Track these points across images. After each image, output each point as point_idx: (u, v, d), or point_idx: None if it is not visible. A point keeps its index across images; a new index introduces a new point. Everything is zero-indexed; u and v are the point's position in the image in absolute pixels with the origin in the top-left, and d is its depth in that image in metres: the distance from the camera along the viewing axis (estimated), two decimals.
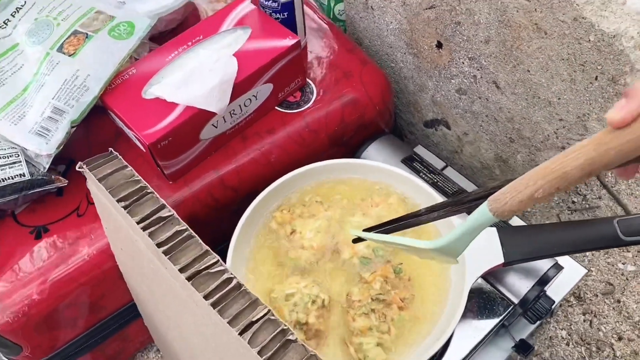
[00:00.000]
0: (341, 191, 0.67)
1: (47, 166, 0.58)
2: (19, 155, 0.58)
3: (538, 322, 0.68)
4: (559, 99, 0.61)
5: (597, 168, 0.30)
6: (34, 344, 0.63)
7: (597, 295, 0.81)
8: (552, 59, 0.58)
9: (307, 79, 0.72)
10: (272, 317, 0.39)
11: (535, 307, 0.63)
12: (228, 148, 0.67)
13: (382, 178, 0.67)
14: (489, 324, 0.62)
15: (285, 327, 0.38)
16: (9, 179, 0.57)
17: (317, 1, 0.92)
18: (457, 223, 0.60)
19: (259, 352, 0.37)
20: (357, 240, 0.52)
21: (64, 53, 0.60)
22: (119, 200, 0.45)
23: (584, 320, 0.79)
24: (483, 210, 0.34)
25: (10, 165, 0.57)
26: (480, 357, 0.67)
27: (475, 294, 0.63)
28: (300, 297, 0.57)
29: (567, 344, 0.77)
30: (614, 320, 0.78)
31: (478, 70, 0.69)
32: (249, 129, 0.68)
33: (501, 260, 0.57)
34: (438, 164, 0.77)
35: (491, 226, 0.65)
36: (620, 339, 0.77)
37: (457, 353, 0.61)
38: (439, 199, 0.64)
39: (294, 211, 0.65)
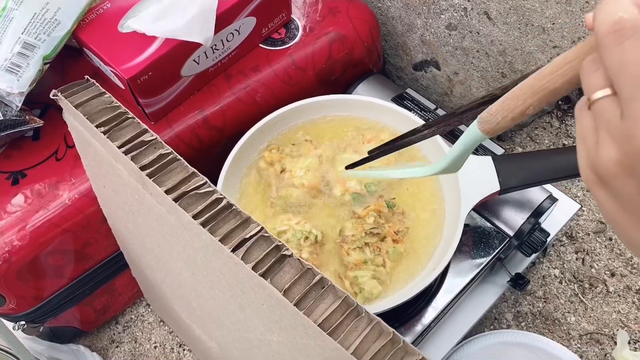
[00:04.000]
0: (331, 128, 0.65)
1: (20, 105, 0.55)
2: None
3: (533, 256, 0.67)
4: (553, 24, 0.60)
5: None
6: (18, 294, 0.60)
7: (589, 234, 0.80)
8: None
9: (292, 15, 0.69)
10: (266, 234, 0.37)
11: (531, 239, 0.63)
12: (212, 87, 0.64)
13: (373, 114, 0.65)
14: (484, 257, 0.61)
15: (279, 244, 0.37)
16: None
17: None
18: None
19: (253, 268, 0.35)
20: (352, 166, 0.50)
21: None
22: (97, 126, 0.43)
23: (577, 259, 0.79)
24: (474, 131, 0.34)
25: None
26: (475, 293, 0.67)
27: (470, 228, 0.62)
28: (293, 233, 0.55)
29: (560, 282, 0.77)
30: (606, 257, 0.78)
31: (468, 1, 0.66)
32: (233, 67, 0.65)
33: (497, 187, 0.56)
34: (429, 106, 0.75)
35: (486, 155, 0.64)
36: (612, 275, 0.77)
37: (454, 286, 0.60)
38: None
39: (283, 150, 0.63)
